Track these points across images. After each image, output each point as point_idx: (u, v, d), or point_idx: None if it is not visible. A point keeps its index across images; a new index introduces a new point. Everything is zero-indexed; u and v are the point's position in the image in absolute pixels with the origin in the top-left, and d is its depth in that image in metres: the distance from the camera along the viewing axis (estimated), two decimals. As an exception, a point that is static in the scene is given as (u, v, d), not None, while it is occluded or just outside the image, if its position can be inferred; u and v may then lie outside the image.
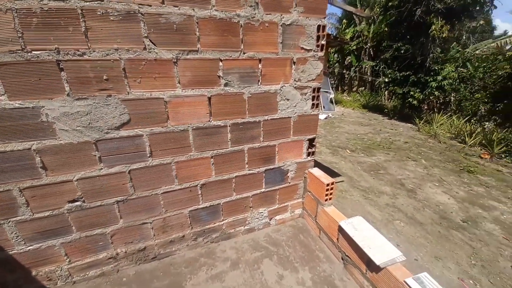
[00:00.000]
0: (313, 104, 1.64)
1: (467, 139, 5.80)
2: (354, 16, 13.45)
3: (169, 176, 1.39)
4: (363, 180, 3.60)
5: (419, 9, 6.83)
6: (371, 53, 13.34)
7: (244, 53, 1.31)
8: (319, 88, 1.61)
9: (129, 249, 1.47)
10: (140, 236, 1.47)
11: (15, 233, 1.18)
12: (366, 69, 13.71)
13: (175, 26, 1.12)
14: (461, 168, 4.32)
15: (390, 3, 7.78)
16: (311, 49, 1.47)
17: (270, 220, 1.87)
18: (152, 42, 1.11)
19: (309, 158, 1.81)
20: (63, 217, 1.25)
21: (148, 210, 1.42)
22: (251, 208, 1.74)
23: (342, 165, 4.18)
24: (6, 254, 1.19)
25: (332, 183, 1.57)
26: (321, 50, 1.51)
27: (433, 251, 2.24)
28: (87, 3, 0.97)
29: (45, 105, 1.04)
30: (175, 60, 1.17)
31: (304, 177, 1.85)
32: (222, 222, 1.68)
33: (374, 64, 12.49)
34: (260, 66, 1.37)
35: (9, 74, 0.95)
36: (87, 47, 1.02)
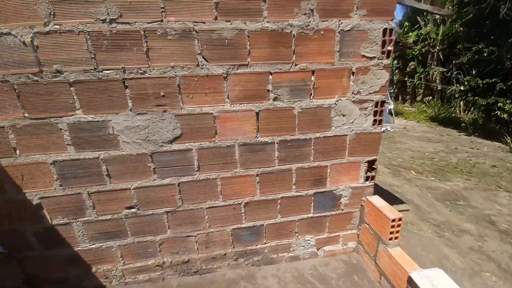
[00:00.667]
0: (374, 121, 1.40)
1: None
2: (418, 18, 12.02)
3: (214, 192, 1.36)
4: (436, 212, 2.95)
5: (504, 5, 5.58)
6: (441, 57, 11.55)
7: (295, 65, 1.21)
8: (383, 102, 1.37)
9: (174, 259, 1.48)
10: (185, 248, 1.47)
11: (82, 232, 1.32)
12: (434, 76, 11.89)
13: (226, 41, 1.11)
14: None
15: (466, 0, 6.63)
16: (374, 57, 1.27)
17: (317, 250, 1.65)
18: (204, 58, 1.12)
19: (367, 183, 1.54)
20: (121, 221, 1.34)
21: (193, 223, 1.42)
22: (296, 234, 1.57)
23: (406, 189, 3.55)
24: (72, 250, 1.34)
25: (400, 219, 1.27)
26: (387, 57, 1.29)
27: (553, 324, 1.59)
28: (149, 24, 1.04)
29: (112, 119, 1.14)
30: (225, 75, 1.16)
31: (361, 205, 1.59)
32: (265, 245, 1.56)
33: (444, 70, 10.75)
34: (313, 78, 1.25)
35: (83, 91, 1.09)
36: (147, 65, 1.09)
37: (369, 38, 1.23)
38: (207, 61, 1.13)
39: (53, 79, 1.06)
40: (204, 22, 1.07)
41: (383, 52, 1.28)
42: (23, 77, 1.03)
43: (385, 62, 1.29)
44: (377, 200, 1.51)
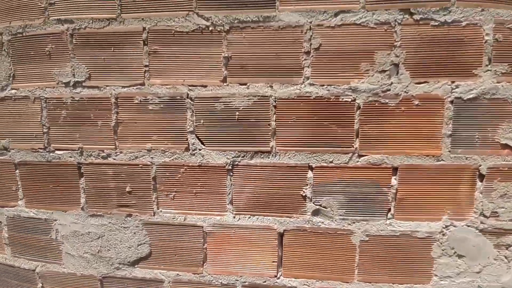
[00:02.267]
0: (534, 272, 0.66)
1: None
2: None
3: None
4: None
5: None
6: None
7: (359, 156, 0.66)
8: (555, 237, 0.65)
9: None
10: None
11: None
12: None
13: (237, 114, 0.66)
14: None
15: None
16: (530, 149, 0.62)
17: None
18: (199, 139, 0.68)
19: None
20: None
21: None
22: None
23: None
24: None
25: None
26: (562, 149, 0.62)
27: None
28: (125, 89, 0.68)
29: (58, 218, 0.75)
30: (230, 167, 0.68)
31: None
32: None
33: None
34: (394, 181, 0.66)
35: (29, 176, 0.75)
36: (113, 146, 0.70)
37: (519, 113, 0.62)
38: (202, 143, 0.68)
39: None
40: (205, 86, 0.67)
41: (551, 141, 0.62)
42: (-35, 152, 0.77)
43: (557, 159, 0.62)
44: None
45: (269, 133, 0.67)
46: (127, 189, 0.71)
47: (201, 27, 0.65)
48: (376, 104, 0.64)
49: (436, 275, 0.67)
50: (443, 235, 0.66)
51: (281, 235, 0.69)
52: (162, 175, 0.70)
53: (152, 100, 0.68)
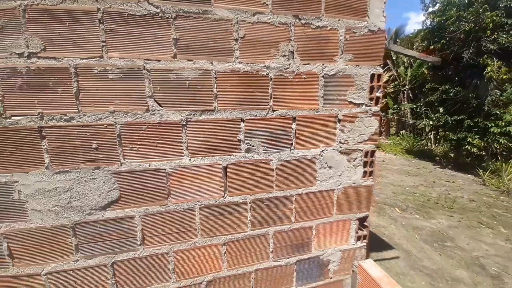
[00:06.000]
0: (365, 172, 1.21)
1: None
2: (388, 61, 13.33)
3: (165, 271, 1.01)
4: (426, 258, 2.73)
5: (467, 51, 6.30)
6: (410, 95, 12.65)
7: (273, 111, 1.01)
8: (373, 152, 1.20)
9: None
10: None
11: None
12: (406, 111, 12.85)
13: (187, 83, 0.89)
14: None
15: (431, 46, 7.41)
16: (362, 103, 1.12)
17: (303, 336, 1.30)
18: (157, 102, 0.88)
19: (359, 243, 1.30)
20: (23, 321, 0.92)
21: (133, 315, 1.03)
22: (276, 318, 1.23)
23: (392, 230, 3.35)
24: None
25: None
26: (376, 103, 1.15)
27: None
28: (84, 60, 0.80)
29: (19, 179, 0.82)
30: (185, 123, 0.92)
31: (353, 270, 1.31)
32: (234, 336, 1.18)
33: (414, 106, 11.71)
34: (294, 126, 1.05)
35: (-20, 144, 0.78)
36: (76, 110, 0.82)
37: (356, 83, 1.09)
38: (160, 105, 0.89)
39: None
40: (158, 60, 0.86)
41: (371, 99, 1.13)
42: None
43: (373, 109, 1.15)
44: (371, 267, 1.24)
45: (212, 96, 0.93)
46: (94, 145, 0.85)
47: (151, 13, 0.82)
48: (281, 77, 0.99)
49: (318, 180, 1.14)
50: (321, 156, 1.11)
51: (225, 168, 1.00)
52: (126, 132, 0.87)
53: (111, 71, 0.82)
